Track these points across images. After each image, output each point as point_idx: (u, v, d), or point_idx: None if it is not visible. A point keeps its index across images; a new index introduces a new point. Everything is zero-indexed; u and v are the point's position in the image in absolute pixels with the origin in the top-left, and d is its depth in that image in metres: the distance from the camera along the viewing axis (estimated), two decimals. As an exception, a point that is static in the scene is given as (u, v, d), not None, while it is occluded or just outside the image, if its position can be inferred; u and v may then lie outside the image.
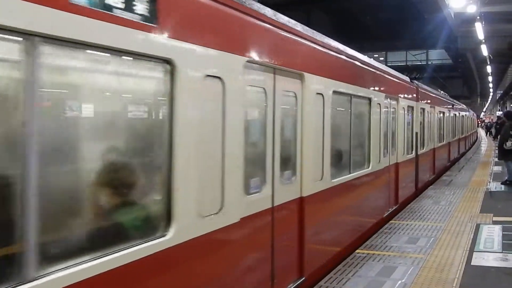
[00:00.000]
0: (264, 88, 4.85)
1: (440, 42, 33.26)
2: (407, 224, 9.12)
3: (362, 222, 8.45)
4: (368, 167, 8.42)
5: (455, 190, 13.28)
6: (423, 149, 13.65)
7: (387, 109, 9.76)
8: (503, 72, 39.55)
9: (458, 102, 28.04)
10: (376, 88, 8.97)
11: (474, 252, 7.18)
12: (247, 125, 4.49)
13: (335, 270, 6.46)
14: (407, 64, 53.09)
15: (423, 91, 14.10)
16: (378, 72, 9.42)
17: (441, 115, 17.79)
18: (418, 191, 12.91)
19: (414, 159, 12.45)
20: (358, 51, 8.87)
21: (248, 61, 4.42)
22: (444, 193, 12.81)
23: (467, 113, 31.54)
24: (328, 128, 6.35)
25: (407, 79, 12.88)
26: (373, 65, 9.21)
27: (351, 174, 7.49)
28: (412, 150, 12.22)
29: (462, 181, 15.23)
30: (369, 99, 8.47)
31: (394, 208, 10.26)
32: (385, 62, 48.40)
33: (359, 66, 8.18)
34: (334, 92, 6.56)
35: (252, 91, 4.69)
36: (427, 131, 14.46)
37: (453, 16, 21.87)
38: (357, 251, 7.37)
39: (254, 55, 4.57)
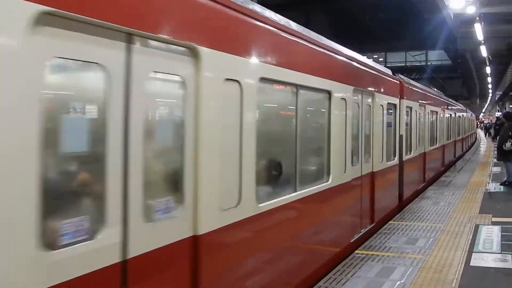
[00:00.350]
0: (103, 66, 2.98)
1: (440, 42, 33.34)
2: (406, 225, 9.13)
3: (314, 256, 6.36)
4: (328, 181, 6.54)
5: (454, 190, 13.28)
6: (410, 154, 11.97)
7: (357, 107, 7.91)
8: (502, 73, 39.58)
9: (455, 101, 26.49)
10: (340, 80, 6.96)
11: (473, 253, 7.19)
12: (50, 126, 2.70)
13: (334, 270, 6.46)
14: (406, 65, 53.20)
15: (409, 87, 12.32)
16: (342, 59, 7.38)
17: (434, 115, 16.22)
18: (404, 204, 11.27)
19: (398, 166, 10.74)
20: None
21: (48, 13, 2.56)
22: (443, 193, 12.82)
23: (465, 113, 30.43)
24: (251, 131, 4.46)
25: (388, 71, 10.91)
26: (335, 49, 7.15)
27: (296, 193, 5.58)
28: (394, 155, 10.51)
29: (461, 182, 15.23)
30: (329, 93, 6.54)
31: (368, 228, 8.44)
32: (385, 63, 48.55)
33: (312, 48, 6.17)
34: (264, 79, 4.73)
35: (66, 68, 2.89)
36: (416, 133, 12.69)
37: (452, 17, 21.91)
38: (356, 251, 7.37)
39: (65, 3, 2.66)
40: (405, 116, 11.35)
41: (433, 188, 14.00)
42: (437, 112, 16.72)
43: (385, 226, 9.05)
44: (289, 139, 5.74)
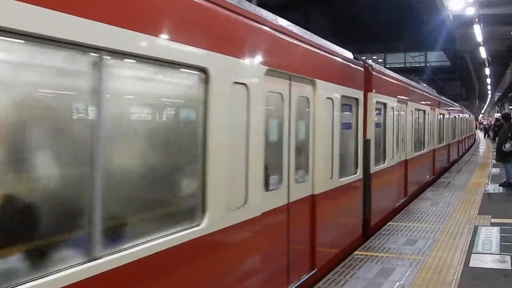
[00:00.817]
0: None
1: (439, 44, 33.40)
2: (405, 226, 9.13)
3: None
4: (200, 224, 3.84)
5: (453, 191, 13.28)
6: (382, 163, 9.55)
7: (278, 99, 5.33)
8: (501, 74, 39.63)
9: (449, 100, 23.77)
10: (232, 51, 4.27)
11: (472, 254, 7.19)
12: None
13: (333, 271, 6.46)
14: (406, 66, 53.29)
15: (381, 77, 9.52)
16: (238, 18, 4.48)
17: (421, 114, 13.89)
18: (371, 230, 8.70)
19: (362, 181, 8.18)
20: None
21: None
22: (443, 194, 12.82)
23: (462, 114, 28.13)
24: None
25: (348, 54, 7.86)
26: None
27: (96, 262, 2.91)
28: (356, 167, 7.98)
29: (460, 183, 15.23)
30: (203, 72, 3.89)
31: (305, 278, 5.87)
32: (384, 64, 48.62)
33: None
34: None
35: None
36: (392, 136, 10.20)
37: (451, 18, 21.92)
38: (355, 252, 7.37)
39: None
40: (375, 115, 8.88)
41: (432, 189, 13.99)
42: (425, 111, 14.39)
43: (384, 227, 9.05)
44: (68, 153, 2.99)
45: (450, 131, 20.84)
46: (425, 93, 15.30)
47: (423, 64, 53.21)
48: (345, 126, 7.48)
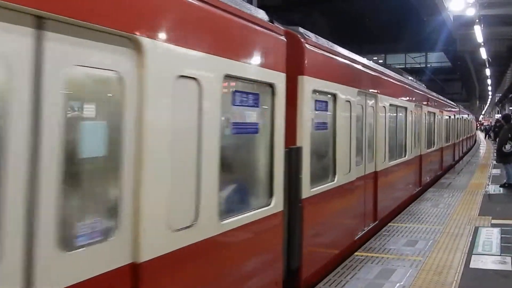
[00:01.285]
0: None
1: (439, 44, 33.41)
2: (406, 227, 9.12)
3: None
4: None
5: (454, 192, 13.27)
6: (330, 180, 6.67)
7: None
8: (502, 75, 39.59)
9: (443, 97, 20.99)
10: None
11: (472, 255, 7.19)
12: None
13: (334, 272, 6.45)
14: (406, 66, 53.32)
15: (323, 54, 6.52)
16: None
17: (401, 112, 11.22)
18: (304, 286, 5.84)
19: (282, 216, 5.15)
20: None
21: None
22: (443, 195, 12.80)
23: (460, 114, 25.60)
24: None
25: (257, 13, 5.00)
26: None
27: None
28: (271, 195, 4.92)
29: (461, 184, 15.22)
30: None
31: None
32: (384, 65, 48.56)
33: None
34: None
35: None
36: (349, 141, 7.29)
37: (452, 19, 21.93)
38: (355, 253, 7.36)
39: None
40: (313, 111, 6.13)
41: (432, 190, 13.98)
42: (406, 109, 11.55)
43: (384, 228, 9.04)
44: None
45: (443, 133, 18.13)
46: (406, 86, 12.04)
47: (423, 65, 53.28)
48: (242, 127, 4.81)
